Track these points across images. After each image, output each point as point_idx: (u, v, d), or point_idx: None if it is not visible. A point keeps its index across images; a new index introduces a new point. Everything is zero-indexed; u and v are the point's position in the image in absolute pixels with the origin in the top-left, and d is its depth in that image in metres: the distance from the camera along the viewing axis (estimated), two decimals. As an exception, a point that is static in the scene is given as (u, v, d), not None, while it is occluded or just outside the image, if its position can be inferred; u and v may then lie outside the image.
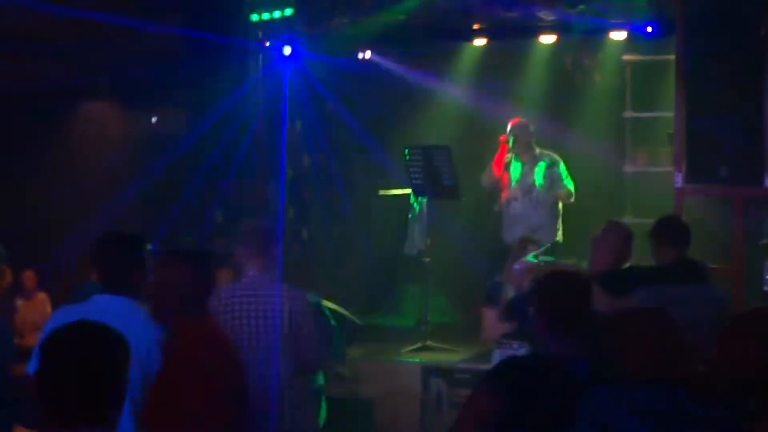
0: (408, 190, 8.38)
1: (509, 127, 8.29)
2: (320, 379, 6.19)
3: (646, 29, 8.00)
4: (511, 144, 8.14)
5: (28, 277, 9.98)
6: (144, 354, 3.50)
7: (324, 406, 6.19)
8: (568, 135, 9.16)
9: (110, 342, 2.45)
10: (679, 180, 7.09)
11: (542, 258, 6.08)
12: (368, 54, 9.51)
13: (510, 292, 5.66)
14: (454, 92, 9.84)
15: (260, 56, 8.80)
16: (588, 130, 9.26)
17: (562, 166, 8.20)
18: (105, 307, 3.68)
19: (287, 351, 4.84)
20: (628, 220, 8.63)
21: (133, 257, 3.94)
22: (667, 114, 7.80)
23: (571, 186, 8.16)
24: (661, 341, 3.12)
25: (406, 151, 8.26)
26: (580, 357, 3.41)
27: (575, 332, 3.51)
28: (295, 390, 4.94)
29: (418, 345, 7.87)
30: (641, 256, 5.63)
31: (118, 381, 2.43)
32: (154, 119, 10.89)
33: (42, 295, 9.94)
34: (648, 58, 8.81)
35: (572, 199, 8.19)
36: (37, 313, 9.63)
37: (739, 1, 6.90)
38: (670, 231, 5.19)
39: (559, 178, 8.18)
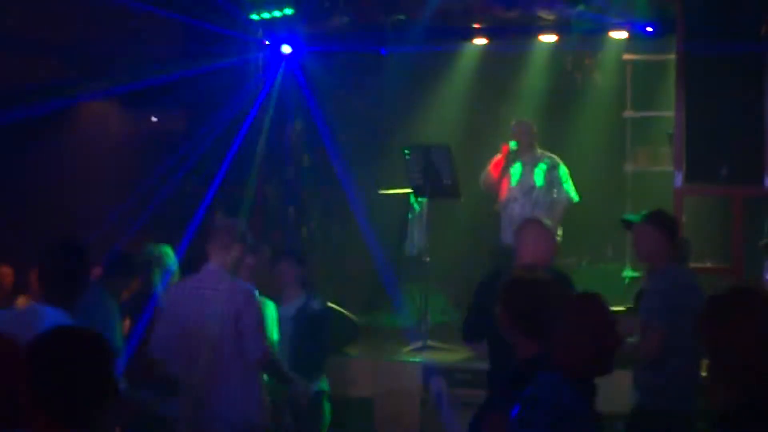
0: (408, 190, 8.36)
1: (513, 126, 8.27)
2: (323, 384, 6.22)
3: (646, 29, 8.01)
4: (514, 148, 8.11)
5: (36, 276, 9.91)
6: None
7: (327, 410, 6.22)
8: (568, 135, 9.16)
9: (98, 345, 2.49)
10: (679, 180, 7.10)
11: None
12: (368, 54, 9.51)
13: None
14: (454, 92, 9.84)
15: (260, 56, 8.80)
16: (588, 130, 9.26)
17: (563, 170, 8.17)
18: (37, 316, 3.75)
19: (231, 342, 5.07)
20: (627, 216, 8.63)
21: (74, 271, 3.95)
22: (667, 114, 7.80)
23: (571, 191, 8.13)
24: (595, 337, 3.15)
25: (406, 150, 8.25)
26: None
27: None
28: (243, 381, 5.12)
29: (418, 345, 7.86)
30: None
31: (106, 382, 2.47)
32: (154, 119, 10.88)
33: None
34: (648, 57, 8.81)
35: (574, 201, 8.18)
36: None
37: (739, 1, 6.90)
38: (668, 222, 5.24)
39: (560, 183, 8.15)
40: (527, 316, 3.58)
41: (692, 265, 7.00)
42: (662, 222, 5.17)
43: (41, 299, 3.92)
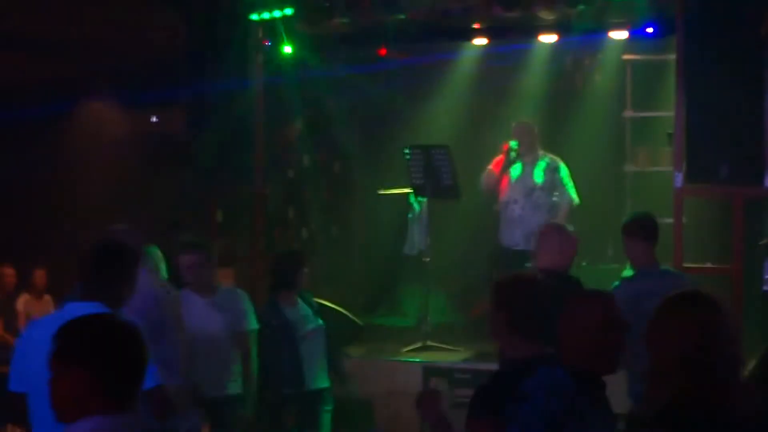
0: (408, 190, 8.37)
1: (514, 127, 8.27)
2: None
3: (646, 29, 8.00)
4: (515, 147, 8.11)
5: (39, 275, 9.91)
6: None
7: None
8: (568, 135, 9.16)
9: (134, 328, 2.60)
10: (679, 180, 7.09)
11: None
12: (368, 54, 9.51)
13: None
14: (454, 92, 9.84)
15: (260, 56, 8.79)
16: (588, 130, 9.26)
17: (564, 171, 8.17)
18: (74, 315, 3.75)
19: (228, 345, 5.57)
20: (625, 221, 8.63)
21: (118, 270, 3.96)
22: (667, 114, 7.80)
23: (573, 193, 8.14)
24: (599, 333, 3.14)
25: (406, 150, 8.25)
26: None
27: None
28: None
29: (418, 345, 7.86)
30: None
31: (146, 363, 2.61)
32: (154, 119, 10.89)
33: (48, 297, 9.87)
34: (648, 58, 8.81)
35: (575, 204, 8.18)
36: (42, 312, 9.58)
37: (739, 1, 6.90)
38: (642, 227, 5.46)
39: (561, 185, 8.15)
40: (529, 317, 3.57)
41: (692, 265, 7.03)
42: (631, 228, 5.35)
43: (81, 299, 3.89)
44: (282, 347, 5.91)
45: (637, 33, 8.20)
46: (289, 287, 6.06)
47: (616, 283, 5.58)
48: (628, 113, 9.02)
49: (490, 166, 8.31)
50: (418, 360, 7.56)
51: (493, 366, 3.91)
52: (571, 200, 8.13)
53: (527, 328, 3.56)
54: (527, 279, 3.77)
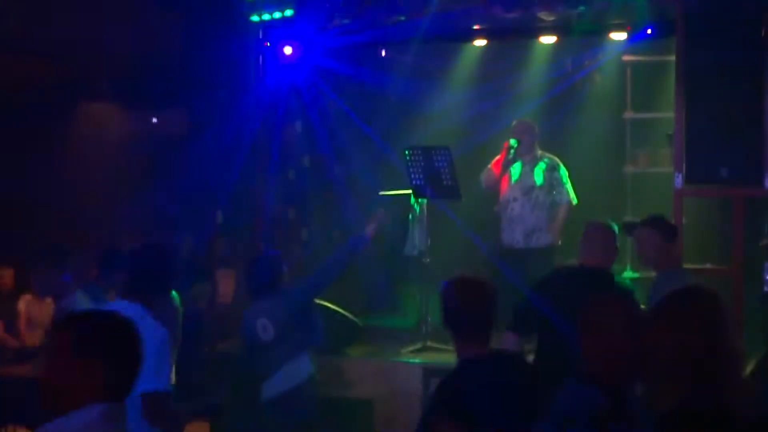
0: (408, 191, 8.37)
1: (514, 126, 8.28)
2: None
3: (646, 30, 8.00)
4: (514, 145, 8.12)
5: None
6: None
7: None
8: (568, 136, 9.16)
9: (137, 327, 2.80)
10: (679, 180, 7.09)
11: None
12: (368, 54, 9.51)
13: None
14: (454, 93, 9.84)
15: (260, 57, 8.80)
16: (588, 131, 9.25)
17: (563, 172, 8.19)
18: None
19: None
20: (628, 220, 8.64)
21: (165, 271, 4.11)
22: (667, 114, 7.80)
23: (571, 193, 8.15)
24: (626, 343, 3.06)
25: (407, 151, 8.25)
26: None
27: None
28: None
29: (419, 345, 7.86)
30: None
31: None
32: (154, 119, 10.89)
33: (48, 298, 9.84)
34: (648, 58, 8.81)
35: (573, 204, 8.19)
36: (43, 314, 9.56)
37: (739, 1, 6.90)
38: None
39: (560, 184, 8.16)
40: (460, 316, 3.60)
41: (692, 266, 7.03)
42: (661, 225, 5.30)
43: (125, 295, 4.11)
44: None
45: (637, 34, 8.21)
46: (274, 289, 6.02)
47: None
48: (628, 114, 9.01)
49: (490, 165, 8.32)
50: (418, 361, 7.56)
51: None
52: (569, 200, 8.15)
53: (458, 330, 3.58)
54: (457, 281, 3.77)
